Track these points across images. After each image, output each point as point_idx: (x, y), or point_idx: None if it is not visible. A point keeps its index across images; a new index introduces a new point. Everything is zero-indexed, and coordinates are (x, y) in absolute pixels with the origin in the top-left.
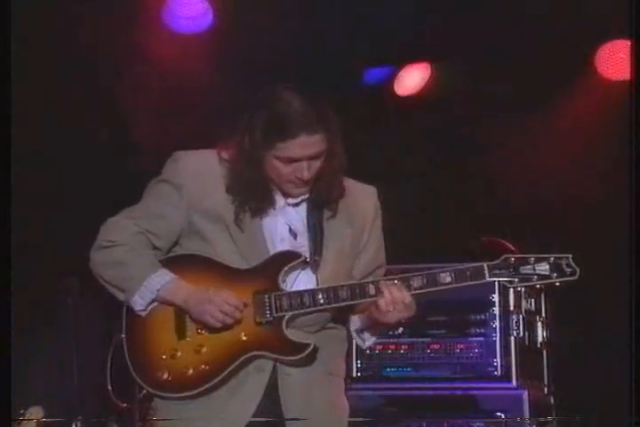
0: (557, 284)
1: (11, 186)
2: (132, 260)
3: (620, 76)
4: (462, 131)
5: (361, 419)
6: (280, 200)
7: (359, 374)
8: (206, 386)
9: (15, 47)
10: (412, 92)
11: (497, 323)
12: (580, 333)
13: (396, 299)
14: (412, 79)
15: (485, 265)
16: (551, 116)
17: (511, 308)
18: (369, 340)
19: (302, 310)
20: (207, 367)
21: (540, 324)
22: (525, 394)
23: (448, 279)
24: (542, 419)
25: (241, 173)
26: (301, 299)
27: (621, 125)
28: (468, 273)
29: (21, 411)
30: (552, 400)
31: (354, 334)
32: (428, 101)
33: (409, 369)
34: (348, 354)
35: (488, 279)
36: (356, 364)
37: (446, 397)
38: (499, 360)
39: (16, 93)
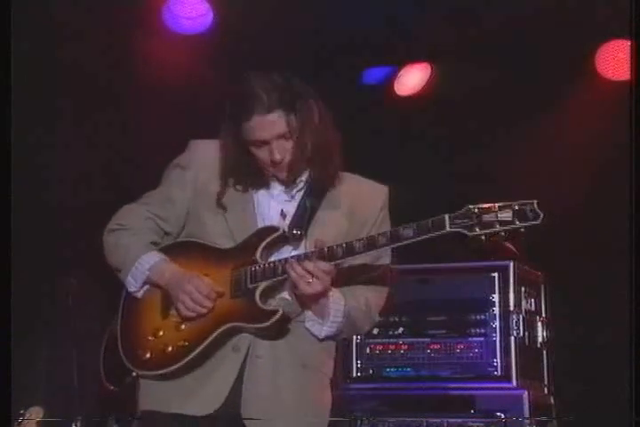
0: (522, 229)
1: (11, 186)
2: (131, 243)
3: (620, 76)
4: (462, 131)
5: (361, 418)
6: (276, 186)
7: (359, 374)
8: (184, 361)
9: (15, 47)
10: (412, 92)
11: (497, 323)
12: (580, 333)
13: (308, 269)
14: (411, 79)
15: (447, 216)
16: (551, 117)
17: (511, 308)
18: (324, 329)
19: (275, 279)
20: (186, 343)
21: (539, 324)
22: (525, 394)
23: (410, 233)
24: (542, 419)
25: (226, 158)
26: (274, 268)
27: (621, 125)
28: (430, 225)
29: (21, 411)
30: (552, 400)
31: (309, 324)
32: (429, 101)
33: (409, 369)
34: (348, 354)
35: (449, 229)
36: (356, 364)
37: (446, 397)
38: (499, 360)
39: (16, 93)
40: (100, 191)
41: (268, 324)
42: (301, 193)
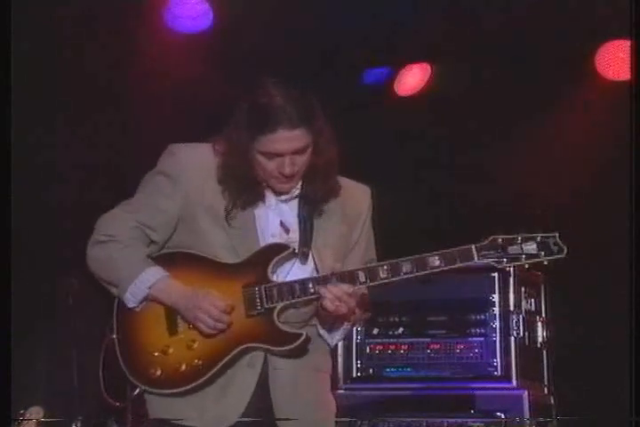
0: (545, 262)
1: (11, 186)
2: (125, 256)
3: (620, 76)
4: (462, 131)
5: (361, 418)
6: (271, 197)
7: (359, 374)
8: (200, 380)
9: (15, 47)
10: (412, 92)
11: (497, 323)
12: (580, 333)
13: (337, 295)
14: (412, 79)
15: (474, 246)
16: (551, 117)
17: (511, 308)
18: (335, 338)
19: (293, 300)
20: (200, 362)
21: (539, 324)
22: (525, 394)
23: (437, 262)
24: (542, 419)
25: (230, 166)
26: (292, 289)
27: (621, 125)
28: (457, 255)
29: (21, 411)
30: (552, 400)
31: (322, 332)
32: (428, 101)
33: (409, 369)
34: (348, 354)
35: (477, 261)
36: (356, 364)
37: (446, 397)
38: (499, 360)
39: (16, 93)
40: (99, 191)
41: (291, 347)
42: (295, 202)
